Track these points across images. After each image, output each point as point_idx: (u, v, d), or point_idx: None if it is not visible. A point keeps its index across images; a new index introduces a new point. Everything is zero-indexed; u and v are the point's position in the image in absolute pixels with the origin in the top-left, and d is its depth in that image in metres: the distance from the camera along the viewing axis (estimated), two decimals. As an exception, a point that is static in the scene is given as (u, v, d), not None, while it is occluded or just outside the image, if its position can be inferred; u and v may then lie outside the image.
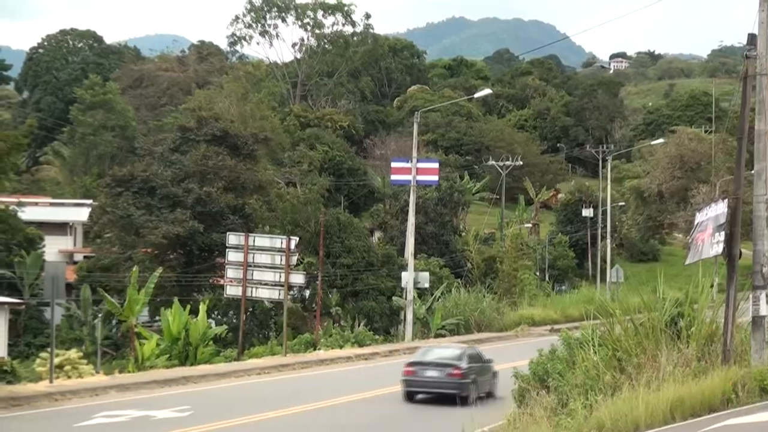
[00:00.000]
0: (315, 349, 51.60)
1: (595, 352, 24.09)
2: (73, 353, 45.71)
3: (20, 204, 43.74)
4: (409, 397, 32.82)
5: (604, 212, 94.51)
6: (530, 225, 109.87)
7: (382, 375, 40.88)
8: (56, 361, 37.39)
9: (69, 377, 39.70)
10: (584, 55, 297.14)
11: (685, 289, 27.15)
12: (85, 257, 73.02)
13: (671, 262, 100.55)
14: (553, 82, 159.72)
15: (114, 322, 59.20)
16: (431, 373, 32.61)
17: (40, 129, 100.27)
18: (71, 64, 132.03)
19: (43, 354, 45.13)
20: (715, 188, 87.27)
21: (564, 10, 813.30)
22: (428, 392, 31.46)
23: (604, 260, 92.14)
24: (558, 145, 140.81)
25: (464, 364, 32.22)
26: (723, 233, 25.52)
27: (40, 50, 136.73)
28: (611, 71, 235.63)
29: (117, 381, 37.49)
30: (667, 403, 20.25)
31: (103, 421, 27.36)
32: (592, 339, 24.84)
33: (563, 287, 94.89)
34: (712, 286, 28.65)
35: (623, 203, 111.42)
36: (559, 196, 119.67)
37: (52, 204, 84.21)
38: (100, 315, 58.68)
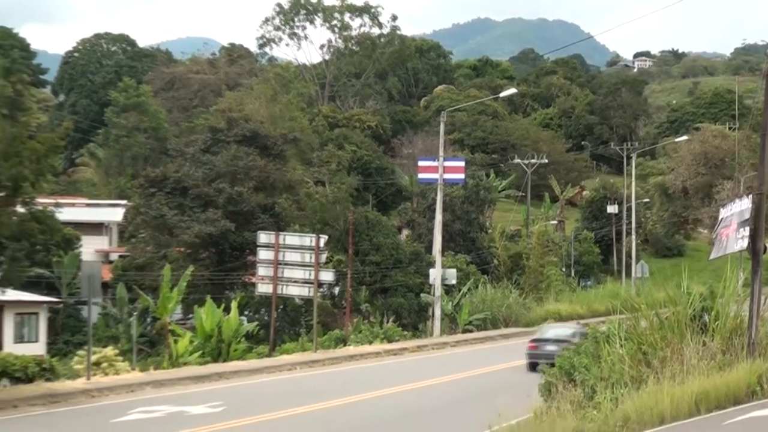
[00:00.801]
0: (345, 345, 51.62)
1: (621, 346, 24.01)
2: (110, 350, 45.81)
3: (58, 205, 43.62)
4: (532, 367, 36.87)
5: (629, 209, 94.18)
6: (556, 222, 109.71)
7: (411, 370, 40.87)
8: (93, 358, 37.51)
9: (106, 374, 39.82)
10: (608, 54, 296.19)
11: (709, 284, 27.01)
12: (120, 256, 73.25)
13: (696, 257, 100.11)
14: (577, 81, 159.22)
15: (149, 319, 59.40)
16: (550, 348, 37.94)
17: (76, 131, 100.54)
18: (105, 68, 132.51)
19: (80, 352, 45.27)
20: (740, 184, 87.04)
21: (588, 10, 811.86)
22: (548, 363, 32.06)
23: (629, 256, 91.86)
24: (583, 143, 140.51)
25: (576, 340, 34.54)
26: (747, 228, 25.41)
27: (75, 54, 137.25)
28: (635, 70, 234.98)
29: (152, 377, 37.60)
30: (692, 395, 20.14)
31: (138, 417, 27.45)
32: (618, 333, 24.79)
33: (589, 283, 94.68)
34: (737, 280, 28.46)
35: (648, 200, 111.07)
36: (584, 193, 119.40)
37: (88, 205, 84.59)
38: (135, 313, 58.91)
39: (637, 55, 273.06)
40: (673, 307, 25.00)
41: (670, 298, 25.82)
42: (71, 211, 66.43)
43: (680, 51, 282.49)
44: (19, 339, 54.56)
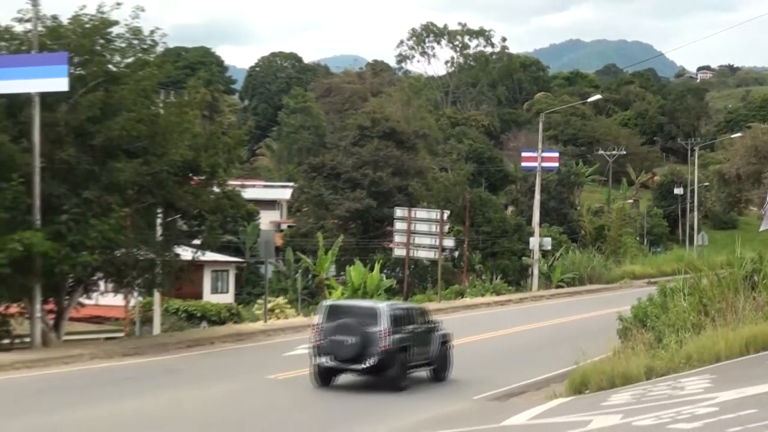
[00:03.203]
0: (462, 297, 51.59)
1: (685, 300, 23.59)
2: (281, 300, 46.58)
3: (243, 186, 43.95)
4: None
5: (692, 191, 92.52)
6: (632, 201, 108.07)
7: (514, 317, 40.66)
8: (268, 306, 38.11)
9: (278, 318, 40.47)
10: (676, 68, 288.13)
11: (758, 251, 26.49)
12: (288, 226, 74.10)
13: (747, 229, 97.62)
14: (650, 90, 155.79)
15: (310, 276, 60.01)
16: None
17: (257, 129, 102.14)
18: (279, 79, 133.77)
19: (259, 301, 46.01)
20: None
21: (660, 32, 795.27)
22: None
23: (692, 228, 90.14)
24: (654, 138, 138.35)
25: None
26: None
27: (257, 68, 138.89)
28: (698, 80, 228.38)
29: (312, 321, 37.93)
30: (743, 339, 19.74)
31: (303, 352, 27.56)
32: (683, 289, 24.42)
33: (658, 249, 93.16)
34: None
35: (707, 184, 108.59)
36: (655, 178, 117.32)
37: (264, 186, 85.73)
38: (299, 271, 59.54)
39: (699, 69, 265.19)
40: (729, 268, 24.60)
41: (726, 262, 25.44)
42: (252, 191, 67.20)
43: (735, 65, 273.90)
44: (215, 290, 55.55)
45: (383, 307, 22.39)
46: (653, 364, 19.39)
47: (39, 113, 25.80)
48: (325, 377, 21.82)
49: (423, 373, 23.19)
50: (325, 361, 21.39)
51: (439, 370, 23.52)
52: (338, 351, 21.19)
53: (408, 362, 22.03)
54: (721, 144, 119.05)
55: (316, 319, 22.71)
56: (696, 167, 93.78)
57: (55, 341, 27.42)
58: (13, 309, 27.73)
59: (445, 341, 23.93)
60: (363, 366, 21.30)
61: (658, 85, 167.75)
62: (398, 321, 22.07)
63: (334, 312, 22.11)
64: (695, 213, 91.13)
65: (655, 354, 20.35)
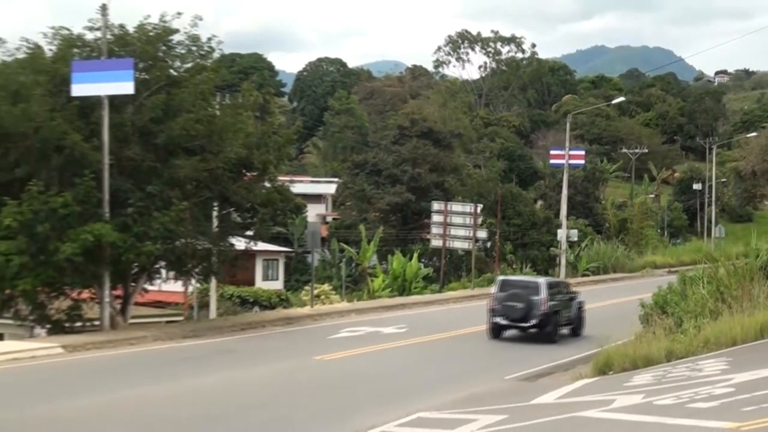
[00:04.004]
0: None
1: (703, 288, 23.44)
2: (326, 287, 46.75)
3: (291, 182, 44.08)
4: None
5: (710, 186, 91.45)
6: (653, 195, 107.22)
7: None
8: (315, 292, 38.28)
9: (323, 303, 40.61)
10: (695, 72, 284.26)
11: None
12: (333, 219, 74.38)
13: (762, 222, 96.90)
14: (671, 92, 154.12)
15: (353, 264, 60.26)
16: None
17: (304, 129, 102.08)
18: (325, 83, 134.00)
19: (306, 287, 46.25)
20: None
21: (680, 39, 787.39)
22: None
23: (709, 221, 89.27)
24: (674, 137, 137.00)
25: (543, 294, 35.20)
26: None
27: (305, 73, 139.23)
28: (715, 84, 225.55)
29: (355, 306, 38.14)
30: (758, 324, 19.58)
31: (347, 335, 27.87)
32: (701, 278, 24.26)
33: (678, 241, 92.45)
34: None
35: (725, 180, 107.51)
36: (675, 174, 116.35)
37: (311, 181, 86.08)
38: (343, 260, 59.76)
39: (717, 73, 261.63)
40: (744, 259, 24.44)
41: (742, 253, 25.27)
42: (300, 186, 67.64)
43: (751, 69, 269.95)
44: (266, 278, 55.90)
45: (542, 281, 28.53)
46: (673, 347, 19.28)
47: (108, 114, 26.08)
48: (497, 332, 27.66)
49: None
50: (499, 320, 27.35)
51: (576, 329, 28.83)
52: (509, 313, 27.06)
53: (558, 322, 27.62)
54: (737, 143, 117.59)
55: (492, 289, 28.66)
56: (714, 164, 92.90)
57: (121, 324, 27.74)
58: (85, 294, 28.07)
59: (580, 307, 29.54)
60: (527, 324, 27.13)
61: (678, 88, 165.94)
62: (552, 292, 27.66)
63: (505, 285, 28.14)
64: (713, 207, 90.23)
65: (674, 338, 20.24)
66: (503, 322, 27.30)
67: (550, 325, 27.00)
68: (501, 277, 30.52)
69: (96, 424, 14.85)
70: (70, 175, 25.99)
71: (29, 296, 26.02)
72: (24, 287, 25.32)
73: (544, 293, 27.06)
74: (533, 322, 26.93)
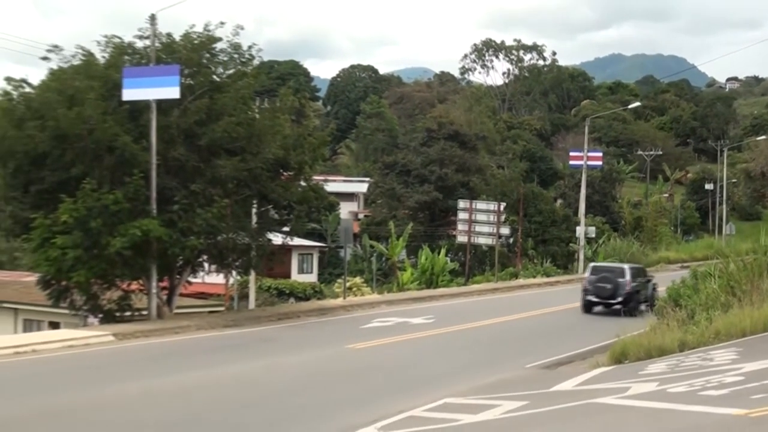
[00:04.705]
0: (516, 278, 51.36)
1: (715, 282, 23.33)
2: (358, 279, 46.88)
3: (325, 181, 44.37)
4: None
5: (721, 186, 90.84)
6: (667, 195, 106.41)
7: (563, 296, 40.32)
8: (347, 284, 38.33)
9: (355, 295, 40.69)
10: (707, 79, 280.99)
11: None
12: (365, 216, 74.47)
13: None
14: (684, 98, 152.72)
15: (383, 259, 60.35)
16: None
17: (338, 131, 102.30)
18: (357, 88, 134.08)
19: (339, 280, 46.33)
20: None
21: (693, 47, 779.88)
22: None
23: (720, 219, 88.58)
24: (687, 140, 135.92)
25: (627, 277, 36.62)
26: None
27: (338, 79, 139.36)
28: (726, 90, 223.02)
29: (386, 298, 38.17)
30: (766, 317, 19.40)
31: (377, 325, 27.89)
32: (713, 273, 24.12)
33: (690, 237, 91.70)
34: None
35: (735, 180, 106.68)
36: (688, 175, 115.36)
37: (344, 181, 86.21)
38: (374, 254, 59.84)
39: (728, 79, 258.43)
40: (754, 255, 24.24)
41: (752, 249, 25.10)
42: (334, 185, 67.94)
43: (760, 76, 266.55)
44: (301, 271, 56.13)
45: (627, 267, 33.18)
46: (686, 338, 19.16)
47: (155, 117, 26.27)
48: (588, 308, 32.05)
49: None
50: (591, 298, 31.77)
51: (651, 305, 30.73)
52: (600, 293, 31.58)
53: (638, 300, 31.78)
54: (747, 145, 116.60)
55: (586, 273, 33.77)
56: (725, 166, 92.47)
57: (167, 314, 27.94)
58: (134, 286, 28.28)
59: (654, 288, 33.55)
60: (614, 302, 31.24)
61: (690, 93, 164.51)
62: (633, 275, 32.07)
63: (596, 269, 33.08)
64: (724, 206, 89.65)
65: (687, 329, 20.12)
66: (594, 299, 31.70)
67: (633, 302, 31.02)
68: (592, 264, 35.76)
69: (146, 407, 14.99)
70: (121, 174, 26.22)
71: (83, 287, 26.26)
72: (78, 279, 25.56)
73: (628, 276, 31.65)
74: (619, 299, 31.10)
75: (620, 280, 31.64)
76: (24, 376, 17.84)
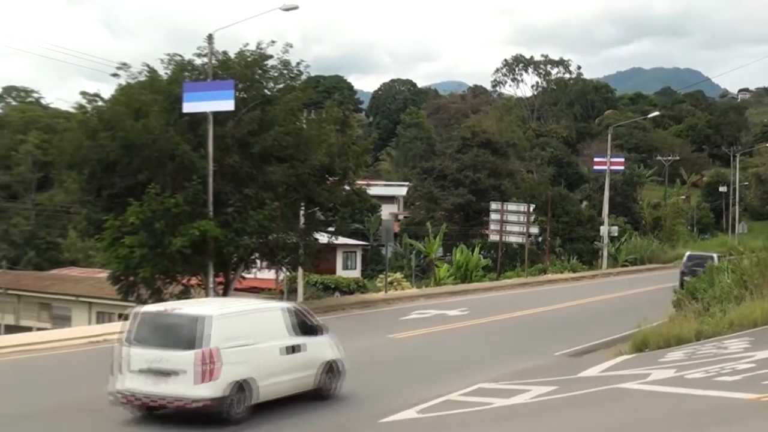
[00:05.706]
0: (545, 274, 51.01)
1: (728, 276, 23.01)
2: (398, 275, 46.78)
3: (368, 185, 44.49)
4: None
5: (734, 189, 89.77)
6: (684, 197, 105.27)
7: (588, 290, 40.04)
8: (388, 279, 38.34)
9: (396, 289, 40.65)
10: (720, 90, 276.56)
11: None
12: (404, 217, 74.39)
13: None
14: (699, 107, 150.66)
15: (421, 256, 60.22)
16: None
17: (379, 140, 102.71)
18: (397, 100, 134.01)
19: (380, 275, 46.34)
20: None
21: (707, 61, 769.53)
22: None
23: (734, 219, 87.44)
24: (702, 146, 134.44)
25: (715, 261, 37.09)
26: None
27: (379, 92, 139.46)
28: (738, 100, 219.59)
29: (424, 292, 38.14)
30: (777, 309, 19.20)
31: (416, 316, 27.91)
32: (727, 268, 23.80)
33: (706, 236, 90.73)
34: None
35: (747, 183, 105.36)
36: (704, 179, 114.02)
37: (385, 185, 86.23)
38: (413, 252, 59.80)
39: (740, 90, 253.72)
40: (765, 251, 23.90)
41: (763, 246, 24.78)
42: (375, 189, 67.82)
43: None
44: (345, 267, 56.13)
45: (715, 255, 39.58)
46: (701, 328, 18.96)
47: (212, 128, 26.52)
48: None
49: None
50: (689, 278, 31.32)
51: None
52: (695, 274, 31.17)
53: None
54: (758, 151, 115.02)
55: (684, 259, 40.80)
56: (737, 170, 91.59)
57: (224, 306, 28.12)
58: (193, 281, 28.56)
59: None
60: None
61: (705, 104, 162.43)
62: (720, 260, 33.75)
63: (691, 257, 40.02)
64: (736, 207, 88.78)
65: (703, 320, 19.90)
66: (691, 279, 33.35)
67: None
68: (688, 252, 42.68)
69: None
70: (181, 180, 26.51)
71: (148, 282, 26.57)
72: (144, 275, 25.89)
73: (716, 262, 33.68)
74: None
75: (708, 264, 33.40)
76: (97, 361, 18.09)
